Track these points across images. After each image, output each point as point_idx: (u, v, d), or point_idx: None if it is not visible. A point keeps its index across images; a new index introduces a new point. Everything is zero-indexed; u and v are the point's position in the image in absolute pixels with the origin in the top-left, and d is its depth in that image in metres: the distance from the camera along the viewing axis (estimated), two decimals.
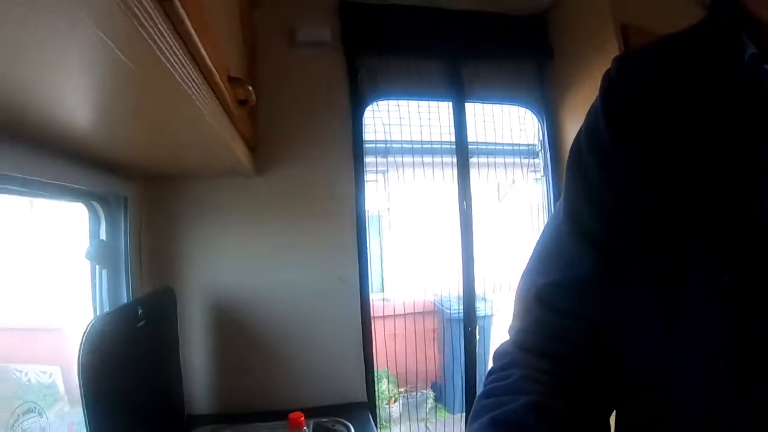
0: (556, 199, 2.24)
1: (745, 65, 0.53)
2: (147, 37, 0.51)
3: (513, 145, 2.50)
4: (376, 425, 1.79)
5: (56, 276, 1.16)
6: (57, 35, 0.48)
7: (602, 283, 0.61)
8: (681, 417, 0.56)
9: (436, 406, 4.68)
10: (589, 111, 0.66)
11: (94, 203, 1.48)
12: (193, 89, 0.75)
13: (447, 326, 4.47)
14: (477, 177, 2.29)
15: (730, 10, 0.57)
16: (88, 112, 0.84)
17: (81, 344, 0.99)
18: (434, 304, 4.58)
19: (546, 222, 0.74)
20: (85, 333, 1.01)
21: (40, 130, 0.87)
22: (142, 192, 1.67)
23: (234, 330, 1.85)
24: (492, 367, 0.70)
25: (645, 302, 0.57)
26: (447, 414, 4.49)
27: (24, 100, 0.71)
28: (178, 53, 0.62)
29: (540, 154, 2.35)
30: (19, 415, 1.13)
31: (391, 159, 2.26)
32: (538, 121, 2.32)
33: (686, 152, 0.55)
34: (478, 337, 4.41)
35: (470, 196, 2.18)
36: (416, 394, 4.32)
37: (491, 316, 3.86)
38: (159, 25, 0.53)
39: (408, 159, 2.47)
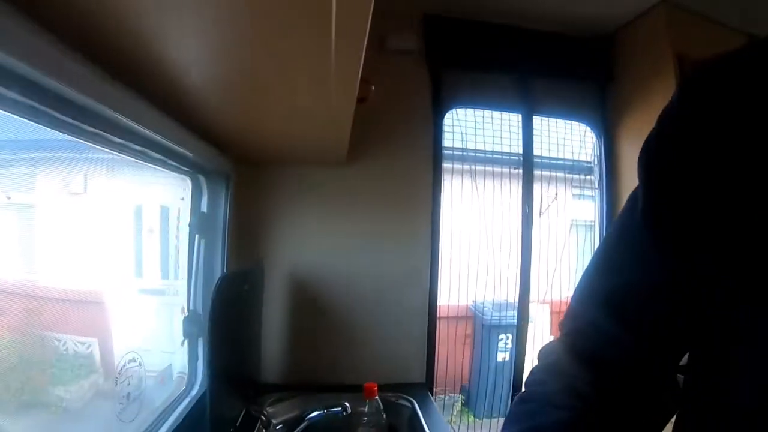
0: (607, 215, 2.35)
1: None
2: None
3: (562, 159, 2.60)
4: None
5: (104, 250, 1.25)
6: None
7: (675, 294, 0.56)
8: None
9: (462, 410, 4.72)
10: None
11: (200, 177, 1.63)
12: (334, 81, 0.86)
13: (481, 332, 4.53)
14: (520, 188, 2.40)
15: None
16: (221, 83, 0.95)
17: (214, 289, 1.18)
18: (470, 309, 4.63)
19: (615, 220, 0.67)
20: (217, 282, 1.20)
21: (164, 89, 0.95)
22: (242, 172, 1.82)
23: (308, 307, 1.99)
24: (536, 366, 0.70)
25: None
26: (473, 418, 4.54)
27: (159, 57, 0.80)
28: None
29: (595, 171, 2.47)
30: (124, 363, 1.28)
31: (458, 165, 2.40)
32: (596, 138, 2.43)
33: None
34: (509, 345, 4.49)
35: (532, 205, 2.30)
36: (444, 397, 4.34)
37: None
38: None
39: (467, 167, 2.58)
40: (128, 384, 1.24)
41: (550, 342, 0.70)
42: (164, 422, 1.37)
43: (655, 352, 0.59)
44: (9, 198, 0.88)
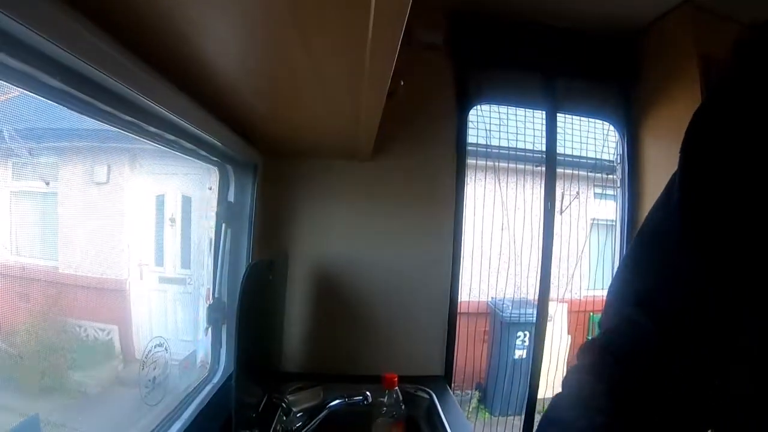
0: (629, 215, 2.35)
1: None
2: None
3: (585, 158, 2.60)
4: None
5: (128, 239, 1.26)
6: None
7: (707, 297, 0.56)
8: None
9: (478, 407, 4.72)
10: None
11: (228, 167, 1.66)
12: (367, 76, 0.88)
13: (499, 329, 4.53)
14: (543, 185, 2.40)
15: None
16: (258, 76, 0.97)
17: (243, 277, 1.21)
18: (489, 306, 4.65)
19: (648, 215, 0.67)
20: (246, 270, 1.23)
21: (200, 81, 0.98)
22: (269, 164, 1.85)
23: (330, 297, 2.02)
24: (575, 365, 0.71)
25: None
26: (488, 415, 4.54)
27: (198, 52, 0.83)
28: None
29: (617, 169, 2.46)
30: (151, 348, 1.31)
31: (481, 162, 2.40)
32: (619, 136, 2.42)
33: None
34: (527, 343, 4.49)
35: (554, 203, 2.30)
36: (461, 393, 4.34)
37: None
38: None
39: (490, 163, 2.58)
40: (154, 368, 1.27)
41: (591, 340, 0.70)
42: (188, 407, 1.41)
43: (689, 348, 0.58)
44: (48, 184, 0.91)
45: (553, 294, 2.46)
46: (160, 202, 1.48)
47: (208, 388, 1.58)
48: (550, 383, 2.68)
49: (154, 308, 1.47)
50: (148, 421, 1.22)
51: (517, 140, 2.54)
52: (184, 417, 1.35)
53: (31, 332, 0.83)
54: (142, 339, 1.29)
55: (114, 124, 0.92)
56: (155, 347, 1.32)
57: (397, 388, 1.56)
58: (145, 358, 1.26)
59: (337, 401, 1.47)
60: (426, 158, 2.08)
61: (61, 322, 0.99)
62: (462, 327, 2.59)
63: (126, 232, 1.26)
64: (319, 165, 1.99)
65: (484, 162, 2.48)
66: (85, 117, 0.84)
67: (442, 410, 1.71)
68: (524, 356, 4.60)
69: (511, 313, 4.31)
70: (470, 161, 2.28)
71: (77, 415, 1.01)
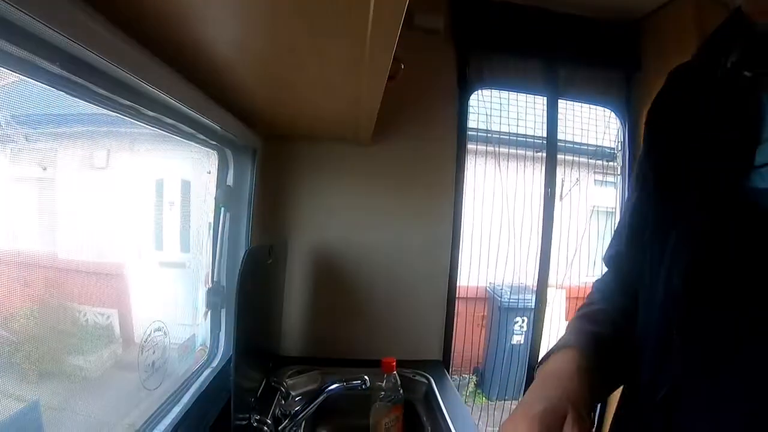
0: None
1: (728, 71, 0.66)
2: None
3: (585, 144, 2.59)
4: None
5: (127, 224, 1.26)
6: None
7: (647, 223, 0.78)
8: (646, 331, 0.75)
9: (476, 391, 4.75)
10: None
11: (227, 150, 1.65)
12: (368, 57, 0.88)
13: (497, 314, 4.55)
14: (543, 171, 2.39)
15: (734, 22, 0.70)
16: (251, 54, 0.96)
17: (242, 260, 1.21)
18: (487, 291, 4.65)
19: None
20: (245, 253, 1.23)
21: (198, 64, 0.97)
22: (268, 147, 1.85)
23: (329, 282, 2.02)
24: (588, 295, 0.97)
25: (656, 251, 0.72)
26: (485, 400, 4.57)
27: (196, 34, 0.82)
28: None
29: (618, 157, 2.45)
30: (150, 332, 1.31)
31: (481, 146, 2.40)
32: (621, 123, 2.41)
33: (693, 134, 0.70)
34: (525, 328, 4.50)
35: (554, 189, 2.30)
36: (458, 378, 4.37)
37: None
38: None
39: (491, 148, 2.58)
40: (153, 353, 1.28)
41: (599, 282, 0.99)
42: (187, 391, 1.41)
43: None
44: (45, 169, 0.90)
45: (552, 280, 2.47)
46: (159, 186, 1.47)
47: (207, 372, 1.59)
48: None
49: (153, 292, 1.47)
50: (147, 404, 1.23)
51: (517, 126, 2.54)
52: (184, 401, 1.36)
53: (31, 318, 0.83)
54: (141, 323, 1.29)
55: (112, 108, 0.92)
56: (154, 331, 1.32)
57: (395, 372, 1.56)
58: (145, 342, 1.26)
59: (335, 385, 1.47)
60: (426, 142, 2.06)
61: (62, 307, 0.99)
62: (460, 312, 2.60)
63: (125, 216, 1.25)
64: (319, 149, 1.98)
65: (485, 147, 2.48)
66: (84, 102, 0.84)
67: (440, 395, 1.72)
68: (522, 342, 4.63)
69: (509, 299, 4.32)
70: (470, 146, 2.28)
71: (77, 399, 1.01)
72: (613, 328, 0.83)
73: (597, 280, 0.99)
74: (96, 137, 1.06)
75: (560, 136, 2.33)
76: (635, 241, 0.81)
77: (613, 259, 0.94)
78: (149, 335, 1.29)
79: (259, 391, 1.56)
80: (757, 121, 0.60)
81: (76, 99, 0.81)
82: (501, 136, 2.52)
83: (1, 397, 0.72)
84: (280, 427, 1.43)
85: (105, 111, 0.91)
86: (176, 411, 1.28)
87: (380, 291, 2.04)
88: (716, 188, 0.63)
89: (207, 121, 1.27)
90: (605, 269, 0.99)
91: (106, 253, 1.19)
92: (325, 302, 2.03)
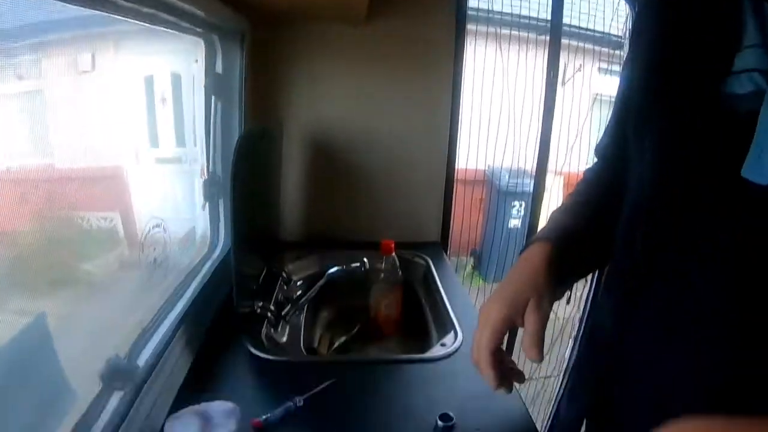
0: None
1: None
2: None
3: (591, 30, 2.50)
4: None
5: (120, 125, 1.24)
6: None
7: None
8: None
9: (473, 273, 4.90)
10: None
11: (214, 37, 1.58)
12: None
13: (495, 198, 4.59)
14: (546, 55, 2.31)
15: None
16: None
17: (235, 147, 1.20)
18: (486, 174, 4.64)
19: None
20: (238, 140, 1.22)
21: None
22: (257, 31, 1.75)
23: (326, 165, 2.01)
24: (577, 183, 1.01)
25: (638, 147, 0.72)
26: (482, 282, 4.72)
27: None
28: None
29: (624, 45, 2.35)
30: (149, 229, 1.31)
31: (482, 28, 2.30)
32: (630, 10, 2.28)
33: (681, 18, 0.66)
34: (522, 212, 4.57)
35: (557, 74, 2.22)
36: (456, 259, 4.47)
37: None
38: None
39: (492, 30, 2.49)
40: (154, 250, 1.29)
41: (594, 165, 1.03)
42: (190, 284, 1.43)
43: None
44: (20, 78, 0.86)
45: (551, 166, 2.47)
46: (149, 83, 1.44)
47: (209, 264, 1.61)
48: None
49: (152, 191, 1.47)
50: (153, 301, 1.25)
51: (521, 6, 2.43)
52: (188, 294, 1.37)
53: (34, 232, 0.82)
54: (142, 222, 1.29)
55: (85, 4, 0.86)
56: (153, 228, 1.32)
57: (394, 254, 1.59)
58: (144, 240, 1.27)
59: (335, 269, 1.51)
60: (424, 22, 1.95)
61: (64, 216, 0.98)
62: (459, 194, 2.62)
63: (117, 117, 1.23)
64: (310, 31, 1.88)
65: (485, 28, 2.38)
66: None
67: (438, 276, 1.76)
68: (519, 226, 4.71)
69: (508, 183, 4.34)
70: (471, 27, 2.19)
71: (83, 304, 1.03)
72: (587, 224, 0.88)
73: (587, 169, 1.02)
74: (77, 42, 1.01)
75: (566, 20, 2.24)
76: (618, 134, 0.84)
77: (602, 150, 0.98)
78: (148, 232, 1.29)
79: (261, 277, 1.59)
80: (739, 25, 0.58)
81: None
82: (503, 17, 2.42)
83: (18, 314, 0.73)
84: (283, 312, 1.47)
85: (75, 7, 0.85)
86: (181, 305, 1.30)
87: (379, 174, 2.03)
88: (694, 91, 0.62)
89: (188, 7, 1.21)
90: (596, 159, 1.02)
91: (103, 157, 1.18)
92: (324, 186, 2.03)
